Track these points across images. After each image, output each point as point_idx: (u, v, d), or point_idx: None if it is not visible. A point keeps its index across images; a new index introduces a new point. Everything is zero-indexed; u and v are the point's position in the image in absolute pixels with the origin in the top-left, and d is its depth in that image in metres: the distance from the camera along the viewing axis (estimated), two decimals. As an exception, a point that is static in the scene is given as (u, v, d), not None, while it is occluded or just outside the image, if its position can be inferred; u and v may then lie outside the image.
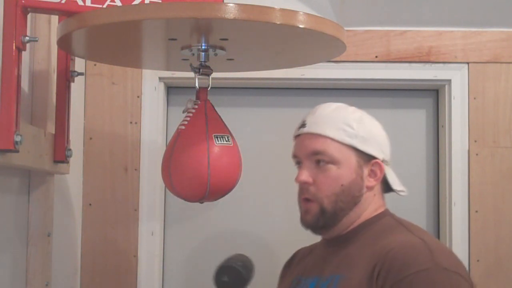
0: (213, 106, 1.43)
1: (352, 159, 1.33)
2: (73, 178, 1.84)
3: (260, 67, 1.66)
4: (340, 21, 1.57)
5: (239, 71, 1.67)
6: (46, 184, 1.55)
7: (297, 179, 1.37)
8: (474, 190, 1.97)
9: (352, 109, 1.39)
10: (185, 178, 1.35)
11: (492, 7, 1.98)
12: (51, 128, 1.53)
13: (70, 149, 1.58)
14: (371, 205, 1.36)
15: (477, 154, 1.97)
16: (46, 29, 1.52)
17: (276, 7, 1.16)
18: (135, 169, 1.97)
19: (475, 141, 1.98)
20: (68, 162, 1.60)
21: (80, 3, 1.25)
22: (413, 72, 2.01)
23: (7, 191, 1.44)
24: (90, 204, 1.96)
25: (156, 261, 2.00)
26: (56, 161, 1.54)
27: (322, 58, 1.59)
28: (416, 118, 2.12)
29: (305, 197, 1.36)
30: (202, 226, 2.09)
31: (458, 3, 1.97)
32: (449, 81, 2.00)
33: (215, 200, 1.42)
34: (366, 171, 1.35)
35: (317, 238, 2.11)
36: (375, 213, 1.37)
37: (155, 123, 1.99)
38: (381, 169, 1.36)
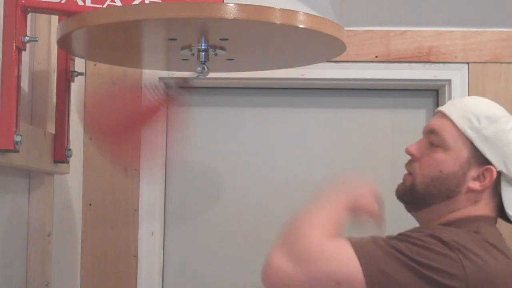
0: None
1: (463, 152, 1.26)
2: (73, 178, 1.84)
3: (260, 67, 1.66)
4: (340, 21, 1.57)
5: (239, 71, 1.67)
6: (46, 184, 1.55)
7: (406, 149, 1.34)
8: (474, 190, 1.97)
9: (497, 108, 1.30)
10: None
11: (492, 7, 1.98)
12: (51, 128, 1.53)
13: (70, 149, 1.58)
14: (469, 209, 1.27)
15: (477, 154, 1.97)
16: (46, 29, 1.52)
17: (276, 7, 1.16)
18: (135, 169, 1.97)
19: (475, 141, 1.98)
20: (68, 162, 1.60)
21: (80, 3, 1.25)
22: (413, 72, 2.01)
23: (7, 191, 1.44)
24: (90, 204, 1.96)
25: (156, 261, 2.00)
26: (56, 161, 1.54)
27: (322, 58, 1.59)
28: (416, 118, 2.11)
29: (407, 168, 1.34)
30: (202, 226, 2.09)
31: (458, 3, 1.97)
32: (449, 81, 2.00)
33: None
34: (474, 172, 1.26)
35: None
36: (467, 216, 1.27)
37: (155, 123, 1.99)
38: (492, 178, 1.25)
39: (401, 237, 1.16)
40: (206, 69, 1.32)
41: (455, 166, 1.26)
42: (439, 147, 1.28)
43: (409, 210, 1.36)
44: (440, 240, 1.13)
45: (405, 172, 1.36)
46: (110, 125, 1.40)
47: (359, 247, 1.13)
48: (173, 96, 1.40)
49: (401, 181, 1.40)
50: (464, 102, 1.34)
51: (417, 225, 1.36)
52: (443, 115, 1.31)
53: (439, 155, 1.28)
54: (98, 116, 1.42)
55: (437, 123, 1.31)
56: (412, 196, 1.31)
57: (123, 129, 1.40)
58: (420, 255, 1.11)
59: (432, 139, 1.30)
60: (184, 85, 1.38)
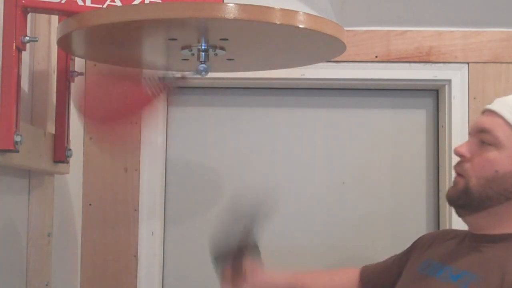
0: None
1: None
2: (73, 178, 1.84)
3: (260, 67, 1.66)
4: (340, 21, 1.57)
5: (239, 71, 1.67)
6: (46, 184, 1.55)
7: (455, 150, 1.28)
8: (474, 190, 1.96)
9: None
10: None
11: (492, 7, 1.98)
12: (51, 128, 1.53)
13: (70, 149, 1.58)
14: None
15: (477, 154, 1.97)
16: (46, 29, 1.52)
17: (276, 7, 1.16)
18: (135, 169, 1.97)
19: (475, 141, 1.98)
20: (68, 162, 1.60)
21: (80, 3, 1.25)
22: (413, 72, 2.01)
23: (7, 191, 1.44)
24: (90, 204, 1.96)
25: (156, 261, 2.00)
26: (56, 161, 1.54)
27: (322, 58, 1.59)
28: (416, 118, 2.12)
29: (457, 170, 1.28)
30: (202, 226, 2.09)
31: (458, 3, 1.97)
32: (449, 81, 2.00)
33: None
34: None
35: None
36: None
37: (155, 123, 1.99)
38: None
39: None
40: (205, 69, 1.32)
41: (511, 165, 1.21)
42: (492, 146, 1.22)
43: (461, 215, 1.29)
44: None
45: (457, 175, 1.29)
46: (106, 112, 1.39)
47: None
48: (169, 85, 1.37)
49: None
50: None
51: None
52: (492, 113, 1.26)
53: (493, 154, 1.22)
54: (96, 104, 1.41)
55: (487, 121, 1.26)
56: (467, 199, 1.24)
57: (119, 115, 1.39)
58: None
59: (484, 138, 1.24)
60: (182, 83, 1.37)
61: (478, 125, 1.28)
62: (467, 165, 1.25)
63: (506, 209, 1.23)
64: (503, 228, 1.23)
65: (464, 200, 1.25)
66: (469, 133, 1.31)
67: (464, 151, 1.26)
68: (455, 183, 1.28)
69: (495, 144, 1.22)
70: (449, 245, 1.34)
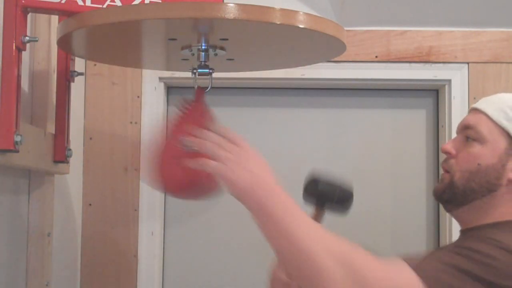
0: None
1: (501, 143, 1.25)
2: (73, 178, 1.84)
3: (260, 67, 1.66)
4: (340, 21, 1.57)
5: (239, 71, 1.67)
6: (46, 184, 1.55)
7: (441, 147, 1.33)
8: (474, 190, 1.96)
9: None
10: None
11: (492, 7, 1.98)
12: (51, 128, 1.53)
13: (70, 149, 1.58)
14: (510, 204, 1.26)
15: (477, 154, 1.97)
16: (46, 29, 1.52)
17: (276, 7, 1.16)
18: (135, 169, 1.97)
19: (475, 141, 1.98)
20: (68, 162, 1.60)
21: (80, 3, 1.25)
22: (413, 72, 2.01)
23: (7, 191, 1.44)
24: (90, 204, 1.96)
25: (156, 261, 2.00)
26: (56, 161, 1.54)
27: (322, 58, 1.59)
28: (416, 118, 2.12)
29: (443, 167, 1.32)
30: (202, 226, 2.09)
31: (458, 3, 1.97)
32: (449, 81, 2.00)
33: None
34: None
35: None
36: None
37: (155, 123, 1.99)
38: None
39: (471, 254, 1.13)
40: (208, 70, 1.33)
41: (493, 158, 1.25)
42: (476, 141, 1.27)
43: (448, 210, 1.33)
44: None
45: (443, 171, 1.33)
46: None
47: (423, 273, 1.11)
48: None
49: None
50: (497, 97, 1.34)
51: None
52: (477, 111, 1.31)
53: (476, 149, 1.26)
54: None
55: (471, 118, 1.31)
56: (451, 193, 1.28)
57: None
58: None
59: (468, 134, 1.29)
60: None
61: (463, 123, 1.33)
62: (452, 161, 1.30)
63: (490, 202, 1.26)
64: (488, 219, 1.26)
65: (449, 194, 1.29)
66: (456, 132, 1.35)
67: (450, 148, 1.31)
68: (442, 179, 1.32)
69: (479, 139, 1.27)
70: (443, 248, 1.36)
